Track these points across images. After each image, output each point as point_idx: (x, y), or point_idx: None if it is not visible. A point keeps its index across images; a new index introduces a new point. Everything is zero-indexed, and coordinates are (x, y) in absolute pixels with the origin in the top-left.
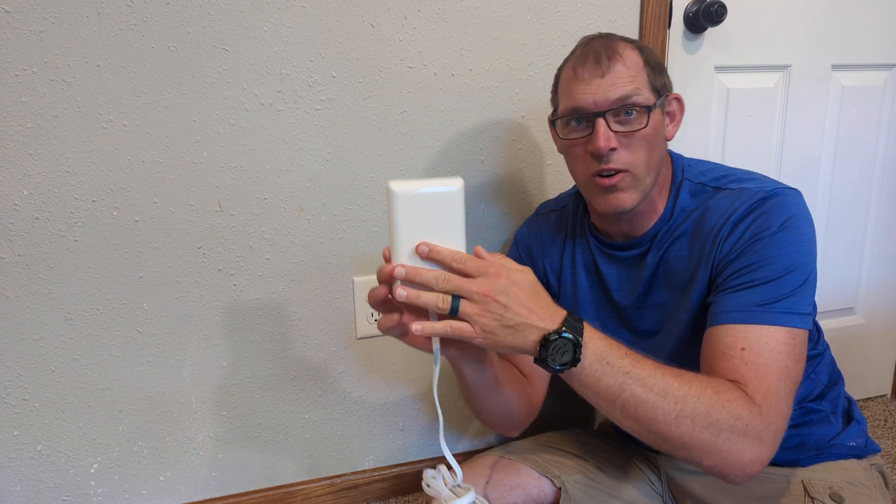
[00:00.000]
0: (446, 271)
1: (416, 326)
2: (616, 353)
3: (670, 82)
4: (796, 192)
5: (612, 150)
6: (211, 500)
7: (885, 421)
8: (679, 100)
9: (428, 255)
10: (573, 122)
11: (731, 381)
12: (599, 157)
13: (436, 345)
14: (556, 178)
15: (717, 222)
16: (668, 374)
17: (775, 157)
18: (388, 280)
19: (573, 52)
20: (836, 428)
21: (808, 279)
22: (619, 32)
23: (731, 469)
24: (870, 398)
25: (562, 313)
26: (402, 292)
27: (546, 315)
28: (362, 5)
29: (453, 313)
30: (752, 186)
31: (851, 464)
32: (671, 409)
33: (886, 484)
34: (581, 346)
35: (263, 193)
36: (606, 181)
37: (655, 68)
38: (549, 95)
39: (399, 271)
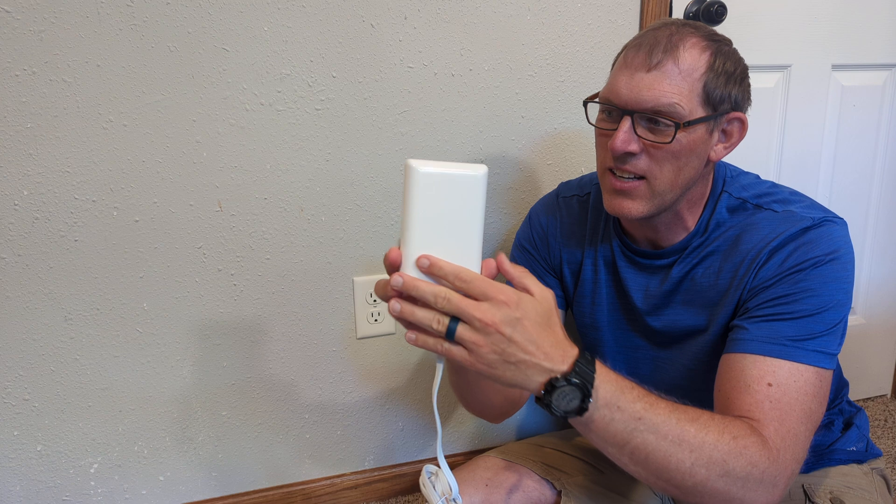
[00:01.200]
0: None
1: (411, 336)
2: (628, 397)
3: (744, 96)
4: (843, 224)
5: (631, 154)
6: (211, 500)
7: (885, 421)
8: (741, 121)
9: (428, 270)
10: (604, 111)
11: (751, 418)
12: (616, 156)
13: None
14: (557, 178)
15: (756, 245)
16: (685, 420)
17: (775, 157)
18: (386, 296)
19: (640, 32)
20: (835, 434)
21: (842, 320)
22: (619, 33)
23: None
24: (870, 398)
25: (573, 352)
26: (396, 306)
27: (556, 354)
28: (362, 5)
29: (449, 336)
30: (798, 211)
31: (852, 469)
32: (686, 458)
33: (888, 488)
34: (590, 396)
35: (263, 193)
36: (619, 183)
37: (724, 77)
38: (548, 96)
39: (396, 280)
